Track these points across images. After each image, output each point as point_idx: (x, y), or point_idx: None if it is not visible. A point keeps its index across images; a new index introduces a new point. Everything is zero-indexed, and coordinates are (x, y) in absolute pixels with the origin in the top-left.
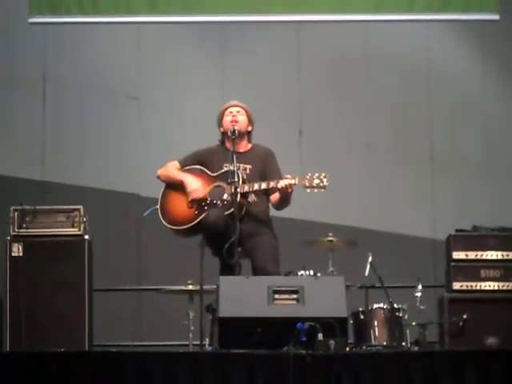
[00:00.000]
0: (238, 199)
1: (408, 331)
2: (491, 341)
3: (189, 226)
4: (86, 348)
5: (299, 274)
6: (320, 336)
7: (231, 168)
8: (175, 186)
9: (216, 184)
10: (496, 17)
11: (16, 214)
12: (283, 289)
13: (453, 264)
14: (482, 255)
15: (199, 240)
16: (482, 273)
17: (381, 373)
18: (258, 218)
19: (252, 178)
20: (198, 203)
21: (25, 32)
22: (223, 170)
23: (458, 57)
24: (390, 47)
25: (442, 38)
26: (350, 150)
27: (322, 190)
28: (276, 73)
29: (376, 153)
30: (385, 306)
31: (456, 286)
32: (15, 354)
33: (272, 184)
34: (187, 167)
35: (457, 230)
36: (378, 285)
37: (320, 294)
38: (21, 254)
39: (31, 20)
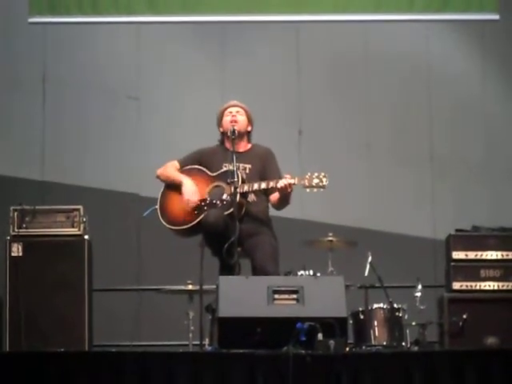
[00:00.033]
0: (238, 199)
1: (408, 331)
2: (491, 341)
3: (188, 226)
4: (86, 348)
5: (299, 273)
6: (320, 336)
7: (231, 168)
8: (175, 186)
9: (215, 184)
10: (496, 17)
11: (16, 213)
12: (283, 289)
13: (453, 264)
14: (481, 255)
15: (199, 240)
16: (482, 273)
17: (381, 373)
18: (257, 218)
19: (251, 178)
20: (197, 205)
21: (24, 32)
22: (222, 170)
23: (457, 57)
24: (389, 47)
25: (441, 38)
26: (349, 150)
27: (322, 189)
28: (276, 73)
29: (376, 153)
30: (385, 306)
31: (456, 285)
32: (15, 354)
33: (271, 184)
34: (186, 167)
35: (457, 230)
36: (377, 285)
37: (320, 294)
38: (20, 254)
39: (31, 20)
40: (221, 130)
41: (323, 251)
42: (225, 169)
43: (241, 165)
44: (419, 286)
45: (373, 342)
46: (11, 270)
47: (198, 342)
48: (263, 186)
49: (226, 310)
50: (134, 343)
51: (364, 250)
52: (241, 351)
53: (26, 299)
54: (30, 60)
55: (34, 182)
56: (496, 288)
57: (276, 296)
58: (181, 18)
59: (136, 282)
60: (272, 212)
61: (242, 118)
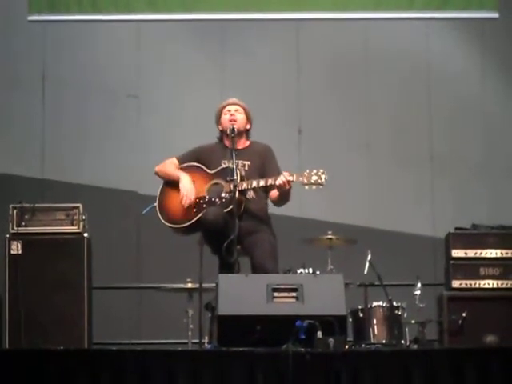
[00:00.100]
0: (237, 196)
1: (407, 329)
2: (490, 339)
3: (187, 224)
4: (86, 346)
5: (298, 271)
6: (319, 334)
7: (229, 165)
8: (174, 183)
9: (214, 181)
10: (495, 15)
11: (15, 211)
12: (282, 287)
13: (452, 262)
14: (481, 253)
15: (198, 238)
16: (481, 271)
17: (380, 371)
18: (256, 216)
19: (250, 175)
20: (196, 203)
21: (24, 30)
22: (221, 167)
23: (457, 55)
24: (389, 46)
25: (441, 36)
26: (349, 149)
27: (321, 186)
28: (276, 72)
29: (375, 151)
30: (384, 304)
31: (455, 284)
32: (14, 352)
33: (270, 181)
34: (185, 164)
35: (456, 228)
36: (377, 283)
37: (319, 292)
38: (20, 252)
39: (30, 18)
40: (219, 127)
41: (323, 249)
42: (223, 166)
43: (240, 162)
44: (419, 284)
45: (372, 340)
46: (11, 267)
47: (197, 340)
48: (262, 183)
49: (225, 308)
50: (133, 341)
51: (363, 248)
52: (240, 349)
53: (26, 297)
54: (29, 58)
55: (33, 180)
56: (495, 286)
57: (275, 294)
58: (180, 16)
59: (135, 280)
60: (271, 210)
61: (240, 117)
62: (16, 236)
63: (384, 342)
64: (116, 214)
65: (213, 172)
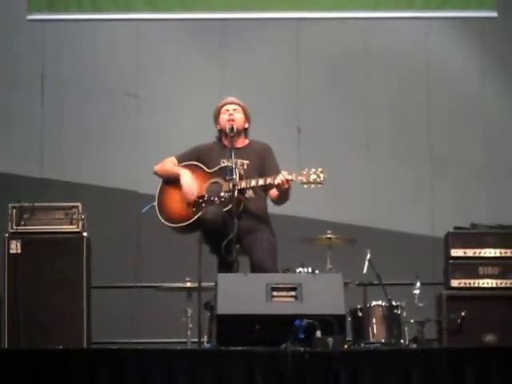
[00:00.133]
0: (236, 195)
1: (406, 328)
2: (489, 338)
3: (187, 223)
4: (85, 345)
5: (297, 271)
6: (318, 333)
7: (228, 164)
8: (172, 182)
9: (213, 180)
10: (494, 14)
11: (14, 211)
12: (281, 286)
13: (451, 261)
14: (480, 253)
15: (197, 237)
16: (480, 270)
17: (379, 370)
18: (255, 215)
19: (249, 174)
20: (195, 202)
21: (23, 29)
22: (220, 166)
23: (457, 54)
24: (389, 45)
25: (441, 35)
26: (349, 148)
27: (320, 185)
28: (275, 71)
29: (375, 151)
30: (383, 304)
31: (454, 283)
32: (14, 352)
33: (269, 180)
34: (184, 163)
35: (455, 228)
36: (376, 282)
37: (318, 292)
38: (19, 251)
39: (30, 17)
40: (218, 127)
41: (322, 248)
42: (222, 165)
43: (239, 161)
44: (418, 284)
45: (371, 340)
46: (10, 267)
47: (196, 340)
48: (260, 182)
49: (224, 307)
50: (132, 340)
51: (363, 247)
52: (239, 348)
53: (25, 296)
54: (28, 57)
55: (33, 179)
56: (494, 285)
57: (274, 293)
58: (180, 16)
59: (135, 279)
60: (270, 209)
61: (239, 116)
62: (15, 235)
63: (383, 341)
64: (115, 214)
65: (212, 171)
